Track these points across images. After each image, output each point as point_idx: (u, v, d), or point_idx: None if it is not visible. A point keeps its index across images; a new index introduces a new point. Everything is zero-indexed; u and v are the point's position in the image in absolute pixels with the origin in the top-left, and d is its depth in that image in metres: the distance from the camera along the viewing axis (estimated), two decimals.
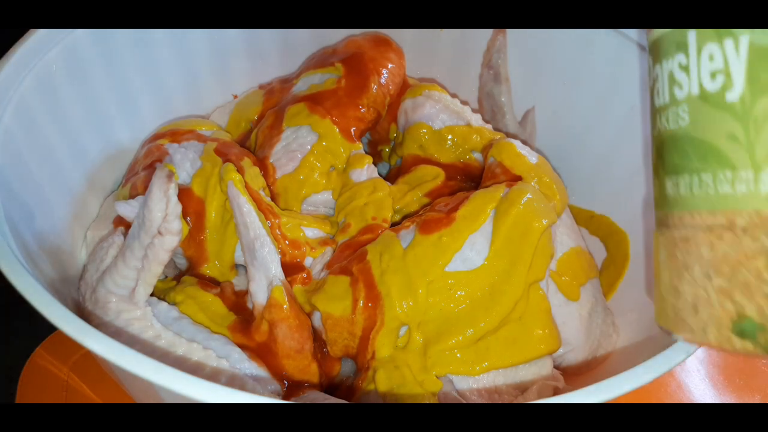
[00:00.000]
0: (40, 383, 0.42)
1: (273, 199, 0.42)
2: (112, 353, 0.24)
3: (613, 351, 0.40)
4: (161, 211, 0.34)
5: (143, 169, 0.42)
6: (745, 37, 0.22)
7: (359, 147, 0.44)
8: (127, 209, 0.38)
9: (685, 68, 0.24)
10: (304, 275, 0.38)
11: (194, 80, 0.49)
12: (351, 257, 0.37)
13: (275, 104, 0.47)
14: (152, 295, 0.36)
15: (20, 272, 0.27)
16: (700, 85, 0.24)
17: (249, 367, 0.34)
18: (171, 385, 0.24)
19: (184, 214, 0.38)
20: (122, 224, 0.40)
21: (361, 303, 0.35)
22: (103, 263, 0.37)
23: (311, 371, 0.36)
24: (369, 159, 0.43)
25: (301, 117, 0.43)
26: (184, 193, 0.38)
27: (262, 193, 0.40)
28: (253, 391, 0.33)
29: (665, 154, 0.26)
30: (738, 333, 0.23)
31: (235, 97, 0.52)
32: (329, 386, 0.38)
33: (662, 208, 0.26)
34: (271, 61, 0.52)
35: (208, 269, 0.40)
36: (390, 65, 0.46)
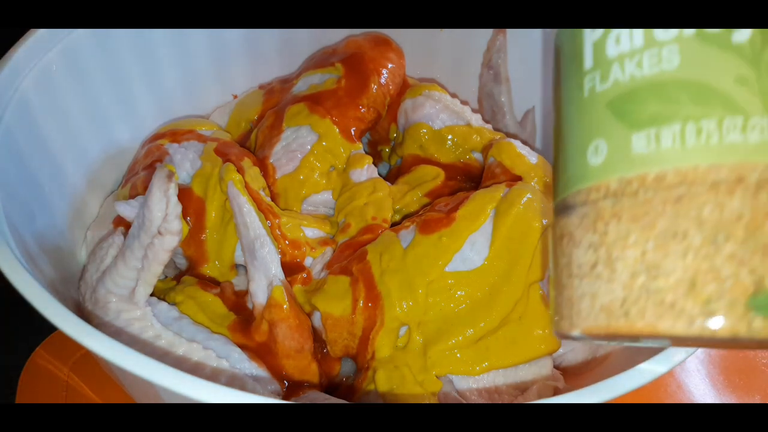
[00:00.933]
0: (40, 383, 0.42)
1: (273, 199, 0.42)
2: (112, 353, 0.24)
3: (613, 351, 0.40)
4: (161, 211, 0.34)
5: (143, 169, 0.42)
6: None
7: (359, 147, 0.44)
8: (127, 209, 0.38)
9: None
10: (304, 275, 0.38)
11: (194, 80, 0.49)
12: (351, 257, 0.37)
13: (275, 104, 0.47)
14: (152, 295, 0.36)
15: (20, 272, 0.27)
16: None
17: (249, 367, 0.34)
18: (171, 386, 0.24)
19: (184, 214, 0.38)
20: (122, 224, 0.40)
21: (361, 303, 0.35)
22: (103, 263, 0.36)
23: (311, 371, 0.36)
24: (369, 159, 0.43)
25: (301, 117, 0.43)
26: (184, 193, 0.38)
27: (262, 193, 0.40)
28: (253, 391, 0.33)
29: (632, 105, 0.22)
30: (755, 309, 0.19)
31: (235, 97, 0.52)
32: (329, 386, 0.37)
33: (618, 171, 0.22)
34: (271, 61, 0.52)
35: (208, 269, 0.40)
36: (390, 65, 0.46)
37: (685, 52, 0.21)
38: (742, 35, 0.20)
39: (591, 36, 0.24)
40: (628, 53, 0.22)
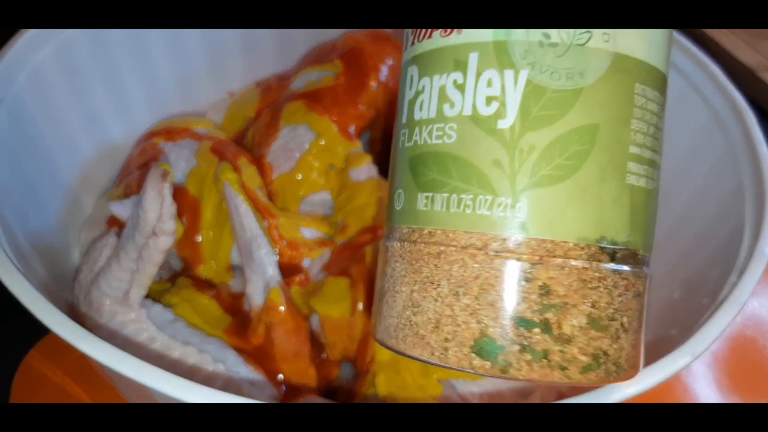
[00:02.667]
0: (34, 386, 0.41)
1: (270, 199, 0.41)
2: (106, 357, 0.24)
3: None
4: (156, 211, 0.34)
5: (137, 169, 0.41)
6: (525, 71, 0.24)
7: (358, 146, 0.43)
8: (121, 209, 0.37)
9: (461, 87, 0.25)
10: (302, 277, 0.38)
11: (189, 77, 0.48)
12: (350, 259, 0.37)
13: (272, 102, 0.47)
14: (147, 297, 0.36)
15: (13, 273, 0.27)
16: (474, 107, 0.24)
17: (245, 371, 0.34)
18: (166, 390, 0.23)
19: (179, 214, 0.38)
20: (116, 224, 0.39)
21: (360, 305, 0.35)
22: (96, 264, 0.36)
23: (309, 375, 0.35)
24: (369, 158, 0.42)
25: (298, 115, 0.43)
26: (179, 193, 0.38)
27: (259, 192, 0.39)
28: (249, 395, 0.33)
29: (421, 167, 0.25)
30: (477, 352, 0.23)
31: (231, 94, 0.51)
32: (328, 390, 0.37)
33: (408, 221, 0.26)
34: (268, 58, 0.52)
35: (204, 270, 0.39)
36: (390, 61, 0.46)
37: (460, 131, 0.24)
38: (506, 122, 0.23)
39: (408, 94, 0.27)
40: (425, 120, 0.25)
